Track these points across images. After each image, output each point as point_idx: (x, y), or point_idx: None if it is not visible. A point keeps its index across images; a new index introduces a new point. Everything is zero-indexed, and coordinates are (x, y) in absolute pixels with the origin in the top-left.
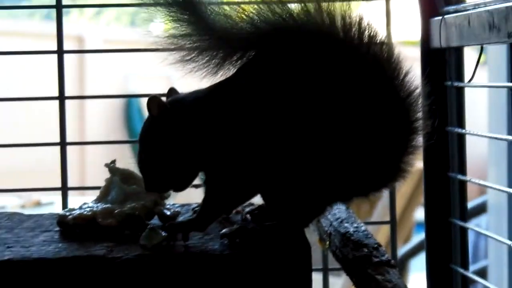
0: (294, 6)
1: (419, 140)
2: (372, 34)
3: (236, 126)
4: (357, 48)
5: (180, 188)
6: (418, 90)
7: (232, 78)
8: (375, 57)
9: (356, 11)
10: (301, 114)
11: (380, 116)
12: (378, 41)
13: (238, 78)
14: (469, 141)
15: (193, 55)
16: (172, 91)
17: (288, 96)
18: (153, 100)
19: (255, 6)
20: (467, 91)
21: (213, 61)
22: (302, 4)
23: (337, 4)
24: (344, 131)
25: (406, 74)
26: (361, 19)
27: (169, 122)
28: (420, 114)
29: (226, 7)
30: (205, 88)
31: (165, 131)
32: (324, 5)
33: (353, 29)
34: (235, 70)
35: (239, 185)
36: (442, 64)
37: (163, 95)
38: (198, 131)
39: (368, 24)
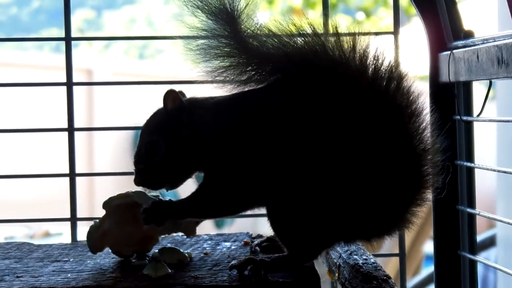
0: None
1: (428, 194)
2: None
3: (246, 139)
4: (373, 85)
5: (173, 185)
6: (432, 147)
7: (254, 94)
8: (392, 96)
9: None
10: (312, 145)
11: (392, 165)
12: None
13: (261, 95)
14: (478, 174)
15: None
16: (181, 93)
17: (301, 125)
18: (170, 93)
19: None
20: (476, 125)
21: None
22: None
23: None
24: (353, 168)
25: (424, 128)
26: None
27: (183, 118)
28: (430, 169)
29: (265, 39)
30: (225, 96)
31: (176, 126)
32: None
33: (370, 64)
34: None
35: (232, 194)
36: (451, 98)
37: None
38: (212, 133)
39: (384, 58)
